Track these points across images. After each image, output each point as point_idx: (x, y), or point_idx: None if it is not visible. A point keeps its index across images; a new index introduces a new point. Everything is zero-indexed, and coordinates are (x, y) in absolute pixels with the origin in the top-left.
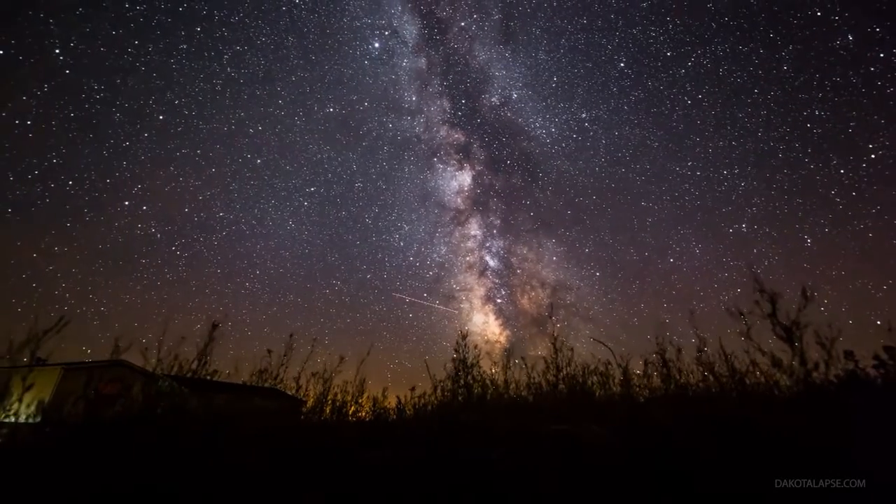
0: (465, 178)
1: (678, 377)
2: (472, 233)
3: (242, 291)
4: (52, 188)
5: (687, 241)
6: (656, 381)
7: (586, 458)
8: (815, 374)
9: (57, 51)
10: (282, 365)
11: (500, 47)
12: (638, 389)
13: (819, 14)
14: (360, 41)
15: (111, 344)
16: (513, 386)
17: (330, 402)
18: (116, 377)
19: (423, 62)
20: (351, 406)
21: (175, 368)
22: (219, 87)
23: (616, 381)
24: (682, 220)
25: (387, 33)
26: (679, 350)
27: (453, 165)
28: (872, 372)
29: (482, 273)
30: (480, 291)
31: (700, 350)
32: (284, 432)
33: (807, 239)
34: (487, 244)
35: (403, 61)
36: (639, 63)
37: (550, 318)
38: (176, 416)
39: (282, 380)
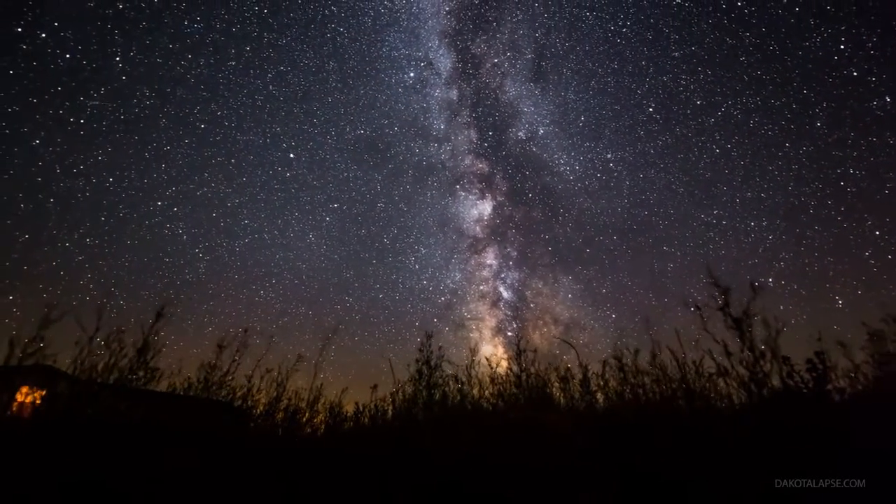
0: (485, 208)
1: (633, 381)
2: (488, 262)
3: (256, 299)
4: (93, 183)
5: (710, 292)
6: (612, 384)
7: (550, 439)
8: (759, 366)
9: (117, 59)
10: (234, 360)
11: (531, 84)
12: (595, 389)
13: (855, 74)
14: (397, 70)
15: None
16: (476, 389)
17: (282, 408)
18: (39, 382)
19: (454, 93)
20: (305, 413)
21: (110, 363)
22: (259, 103)
23: (577, 381)
24: (705, 270)
25: (422, 64)
26: (636, 352)
27: (475, 194)
28: (806, 376)
29: (495, 303)
30: (492, 322)
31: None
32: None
33: (838, 300)
34: (503, 275)
35: (436, 91)
36: (667, 109)
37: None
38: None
39: (232, 377)
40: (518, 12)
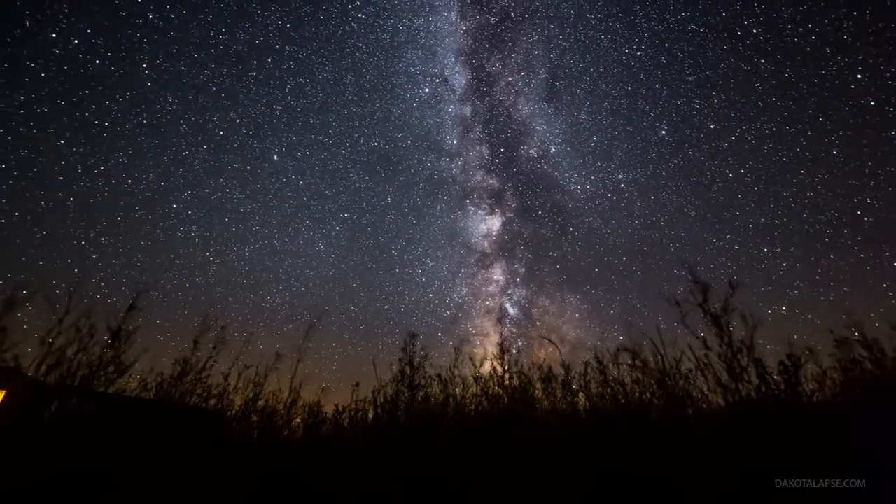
0: (494, 223)
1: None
2: (496, 278)
3: (263, 304)
4: (112, 184)
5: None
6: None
7: (540, 431)
8: (736, 361)
9: (144, 66)
10: (210, 357)
11: (544, 104)
12: (578, 389)
13: (872, 104)
14: (412, 85)
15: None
16: (459, 389)
17: (259, 410)
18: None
19: (468, 110)
20: (283, 416)
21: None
22: (277, 113)
23: (559, 380)
24: (716, 295)
25: (438, 81)
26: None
27: (484, 209)
28: (778, 378)
29: (500, 320)
30: (496, 338)
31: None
32: None
33: (853, 332)
34: (509, 291)
35: (450, 107)
36: (680, 132)
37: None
38: None
39: (208, 375)
40: (534, 33)
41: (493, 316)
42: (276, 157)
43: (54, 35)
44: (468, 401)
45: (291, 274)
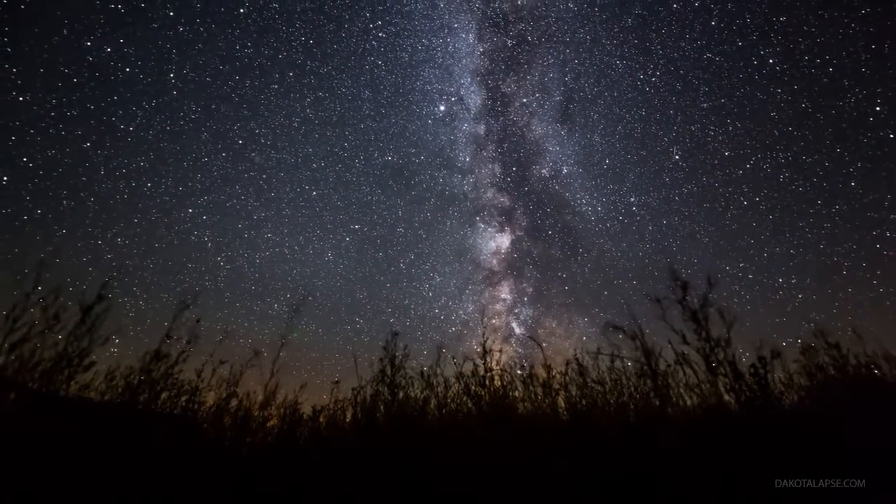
0: (503, 241)
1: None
2: (503, 296)
3: (270, 312)
4: (132, 186)
5: (735, 344)
6: (573, 389)
7: (517, 424)
8: (713, 354)
9: (171, 75)
10: (182, 352)
11: (557, 125)
12: (559, 388)
13: (892, 136)
14: (428, 103)
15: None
16: (441, 388)
17: (232, 411)
18: None
19: (481, 128)
20: (257, 418)
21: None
22: (295, 125)
23: (539, 380)
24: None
25: (453, 99)
26: (597, 353)
27: (494, 227)
28: (750, 380)
29: (506, 339)
30: (502, 358)
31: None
32: None
33: (874, 370)
34: (516, 310)
35: (464, 125)
36: (694, 158)
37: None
38: None
39: (181, 370)
40: (549, 57)
41: (499, 335)
42: (291, 168)
43: (89, 43)
44: (450, 400)
45: (300, 283)
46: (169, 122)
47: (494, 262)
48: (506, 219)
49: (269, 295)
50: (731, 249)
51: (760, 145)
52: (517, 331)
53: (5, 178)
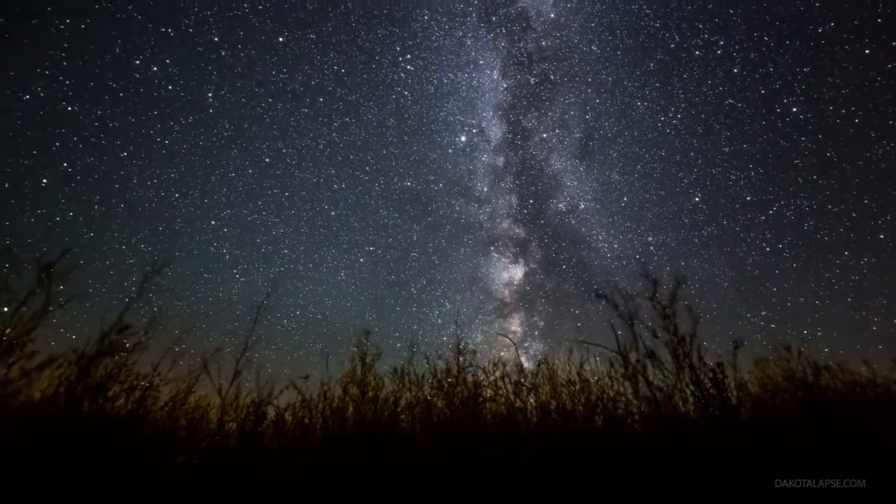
0: (517, 273)
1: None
2: (513, 328)
3: (279, 327)
4: (161, 196)
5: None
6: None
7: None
8: (681, 348)
9: (209, 94)
10: (138, 343)
11: (576, 161)
12: (530, 387)
13: None
14: (450, 133)
15: None
16: (415, 387)
17: (188, 411)
18: None
19: (501, 160)
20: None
21: None
22: (321, 147)
23: (510, 380)
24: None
25: (475, 131)
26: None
27: (508, 258)
28: (708, 383)
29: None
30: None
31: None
32: None
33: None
34: (526, 344)
35: (483, 156)
36: (715, 201)
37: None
38: None
39: (135, 362)
40: (571, 95)
41: (507, 368)
42: (313, 187)
43: (138, 62)
44: (421, 399)
45: (310, 300)
46: (202, 137)
47: (506, 293)
48: (520, 250)
49: (280, 311)
50: (752, 296)
51: (784, 192)
52: (526, 365)
53: (45, 180)
